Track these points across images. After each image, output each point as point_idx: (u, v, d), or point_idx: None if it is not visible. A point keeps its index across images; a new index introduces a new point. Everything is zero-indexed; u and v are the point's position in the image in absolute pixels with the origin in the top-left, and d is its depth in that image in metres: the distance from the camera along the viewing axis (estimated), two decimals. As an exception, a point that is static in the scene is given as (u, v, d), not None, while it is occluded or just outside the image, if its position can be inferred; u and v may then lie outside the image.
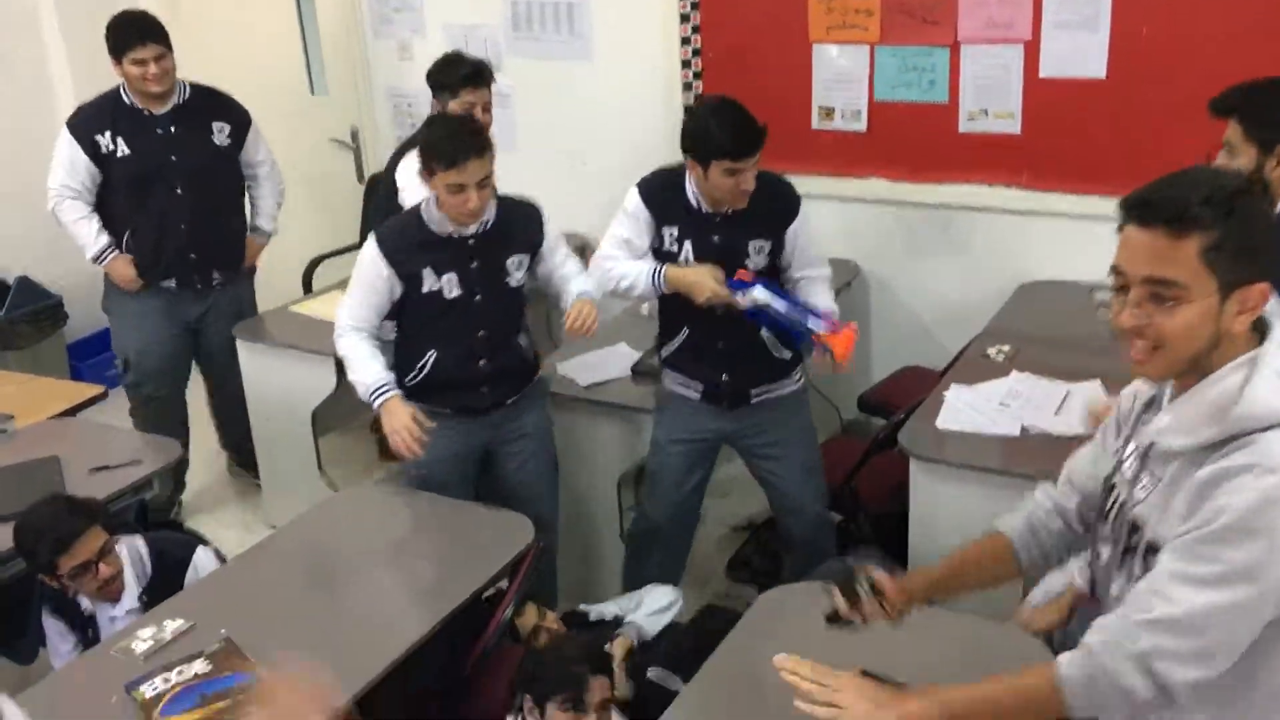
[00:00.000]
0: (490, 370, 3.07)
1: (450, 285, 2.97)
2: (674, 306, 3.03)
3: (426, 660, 2.47)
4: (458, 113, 3.43)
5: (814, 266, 3.08)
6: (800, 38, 4.04)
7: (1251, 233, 1.52)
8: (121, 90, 3.87)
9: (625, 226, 3.01)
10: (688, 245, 2.95)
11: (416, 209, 3.00)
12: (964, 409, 3.06)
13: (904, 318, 4.22)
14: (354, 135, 5.14)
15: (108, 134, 3.83)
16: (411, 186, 3.23)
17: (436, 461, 3.03)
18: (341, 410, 3.92)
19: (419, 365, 3.03)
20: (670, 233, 2.97)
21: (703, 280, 2.86)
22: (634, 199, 3.00)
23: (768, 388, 3.09)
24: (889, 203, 4.10)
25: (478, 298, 2.99)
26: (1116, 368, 3.20)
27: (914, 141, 3.98)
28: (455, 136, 2.86)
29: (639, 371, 3.49)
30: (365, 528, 2.98)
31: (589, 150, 4.55)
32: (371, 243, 2.98)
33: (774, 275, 2.99)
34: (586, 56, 4.47)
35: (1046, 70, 3.71)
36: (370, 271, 2.97)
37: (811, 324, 2.85)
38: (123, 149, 3.83)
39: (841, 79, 4.03)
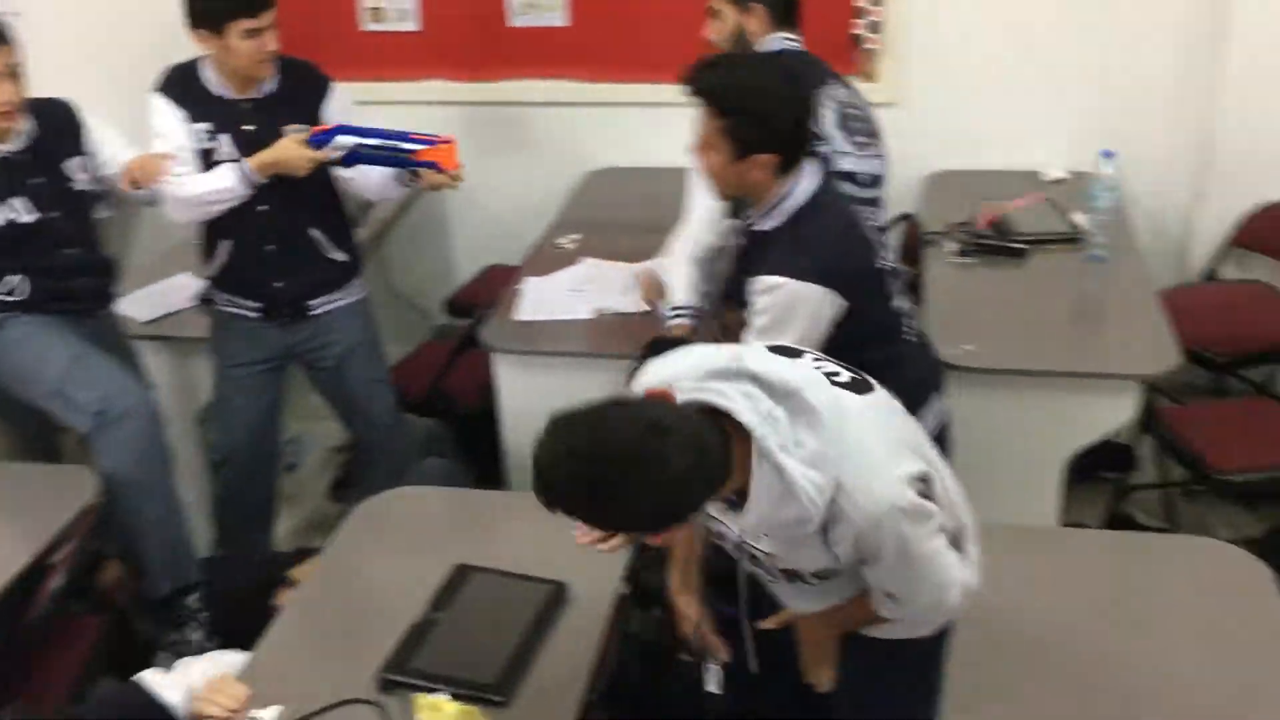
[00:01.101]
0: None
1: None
2: (209, 222, 2.87)
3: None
4: None
5: None
6: (339, -64, 3.87)
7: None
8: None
9: (169, 136, 2.79)
10: (223, 139, 2.79)
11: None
12: (539, 299, 3.13)
13: (481, 217, 4.23)
14: None
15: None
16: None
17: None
18: None
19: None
20: (201, 130, 2.79)
21: (292, 153, 2.72)
22: (159, 102, 2.80)
23: (328, 297, 3.01)
24: (450, 103, 4.05)
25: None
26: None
27: (468, 39, 3.95)
28: None
29: (207, 300, 3.28)
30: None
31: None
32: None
33: None
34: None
35: (589, -42, 3.78)
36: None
37: (409, 146, 2.75)
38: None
39: (387, -25, 3.91)
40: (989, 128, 3.75)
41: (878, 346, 2.19)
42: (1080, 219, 3.26)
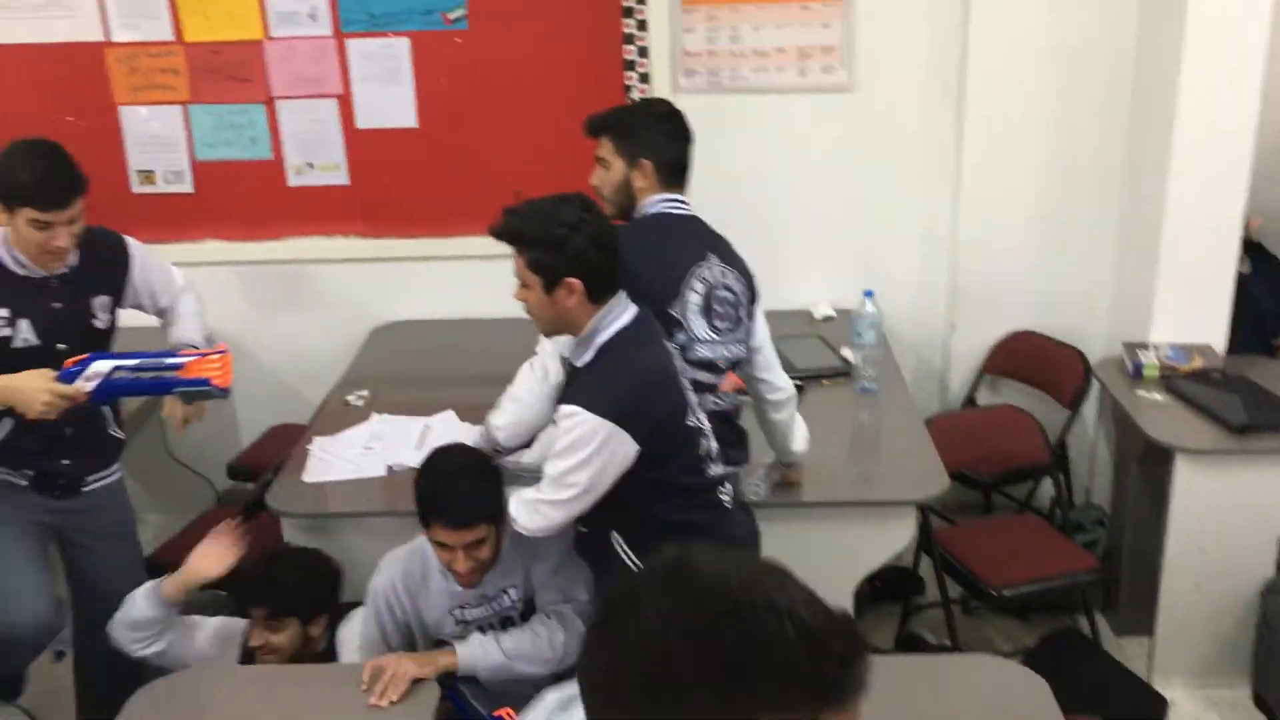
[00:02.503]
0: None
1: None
2: None
3: None
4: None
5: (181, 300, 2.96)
6: (104, 101, 3.80)
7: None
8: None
9: None
10: (24, 325, 2.63)
11: None
12: (329, 459, 3.07)
13: (263, 377, 4.13)
14: None
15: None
16: None
17: None
18: None
19: None
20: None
21: (28, 386, 2.46)
22: None
23: (102, 474, 2.87)
24: (228, 263, 3.99)
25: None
26: (469, 397, 3.44)
27: (245, 199, 3.92)
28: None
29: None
30: None
31: None
32: None
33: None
34: None
35: (363, 121, 3.84)
36: None
37: (173, 362, 2.54)
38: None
39: (157, 141, 3.85)
40: (760, 270, 3.96)
41: (679, 508, 2.28)
42: (849, 353, 3.46)
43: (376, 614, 2.53)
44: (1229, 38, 3.27)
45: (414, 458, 3.04)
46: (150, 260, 2.90)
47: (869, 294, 3.34)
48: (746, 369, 2.66)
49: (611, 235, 2.29)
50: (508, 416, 2.52)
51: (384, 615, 2.53)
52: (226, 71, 3.78)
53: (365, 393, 3.47)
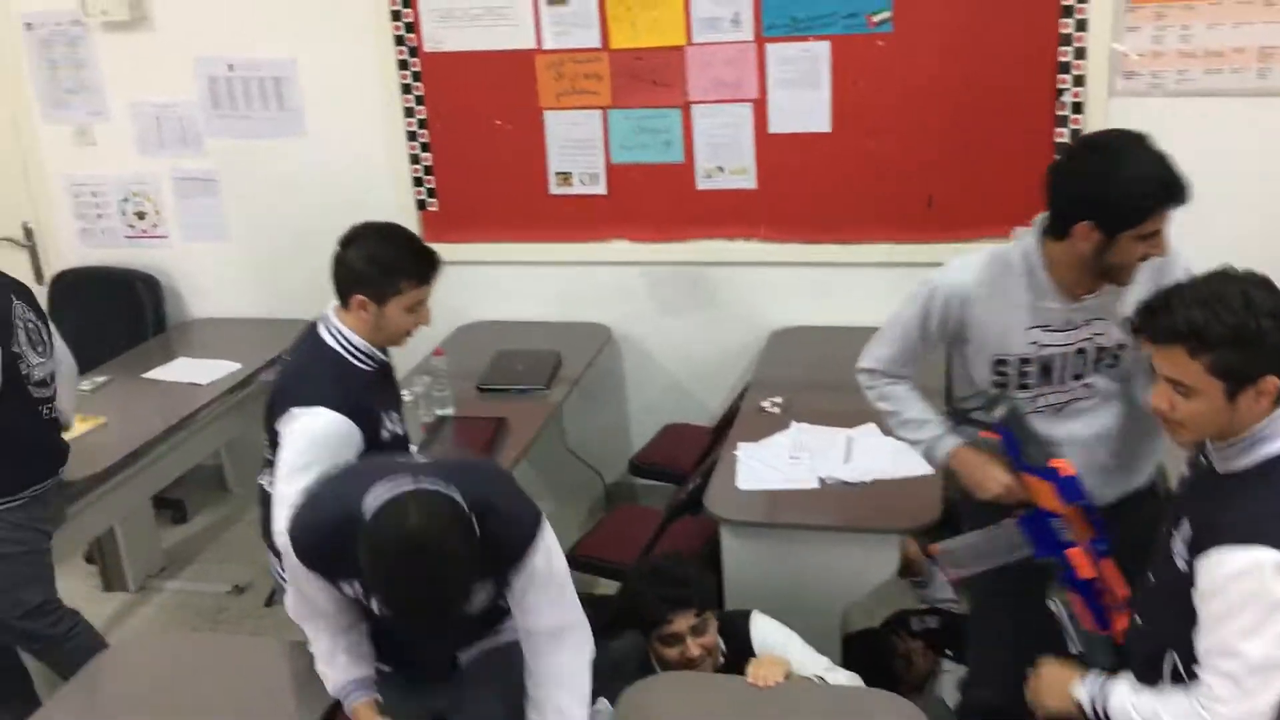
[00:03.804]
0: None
1: (393, 424, 2.53)
2: None
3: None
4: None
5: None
6: (530, 105, 3.97)
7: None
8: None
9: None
10: (394, 415, 2.57)
11: (318, 353, 2.46)
12: (759, 467, 3.06)
13: (660, 376, 4.21)
14: (28, 233, 4.58)
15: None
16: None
17: None
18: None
19: None
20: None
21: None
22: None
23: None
24: (634, 263, 4.09)
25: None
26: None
27: (654, 201, 4.00)
28: (416, 246, 2.49)
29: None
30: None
31: (312, 234, 4.27)
32: (333, 419, 2.34)
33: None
34: (298, 131, 4.19)
35: (775, 126, 3.83)
36: (333, 449, 2.32)
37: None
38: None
39: (576, 144, 3.99)
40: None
41: None
42: None
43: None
44: None
45: (844, 471, 3.00)
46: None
47: None
48: None
49: None
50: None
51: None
52: (647, 77, 3.86)
53: (780, 399, 3.45)
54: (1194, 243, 2.29)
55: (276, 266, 4.30)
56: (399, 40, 3.99)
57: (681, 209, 3.99)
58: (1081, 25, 3.50)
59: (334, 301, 2.49)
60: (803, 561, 2.86)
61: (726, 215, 3.97)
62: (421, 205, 4.15)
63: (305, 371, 2.48)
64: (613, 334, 4.17)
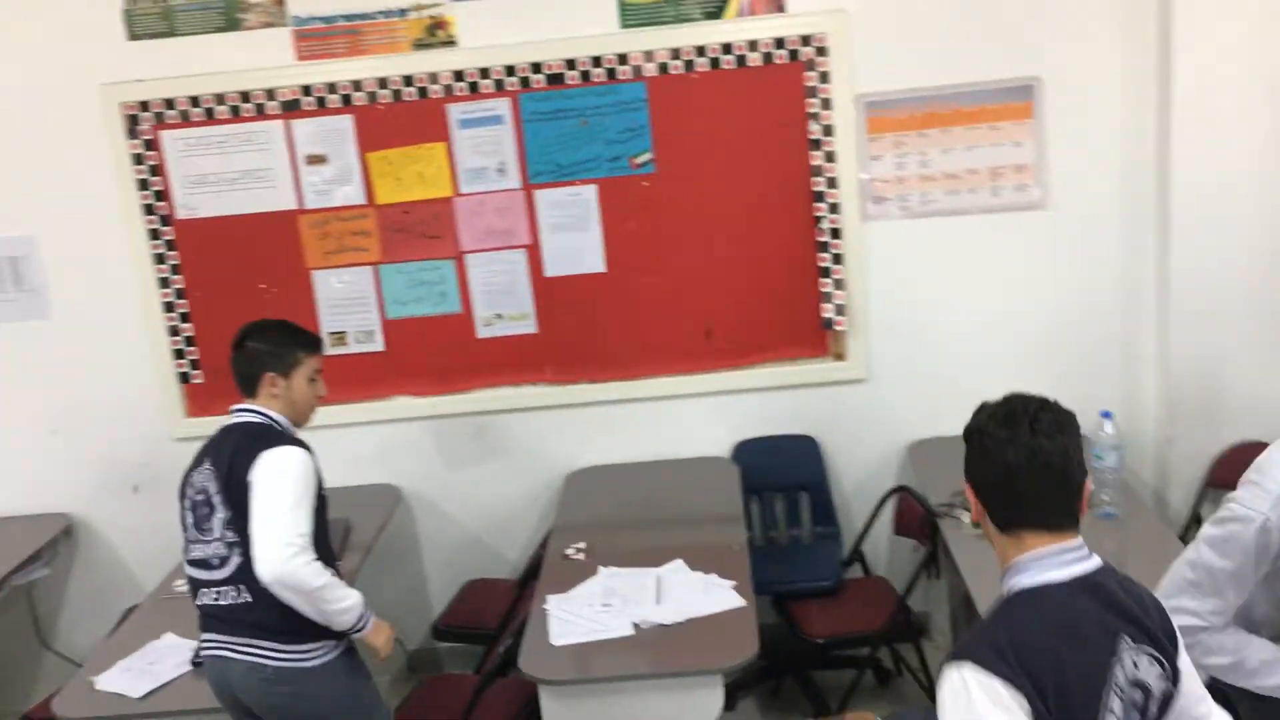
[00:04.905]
0: None
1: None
2: None
3: None
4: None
5: None
6: (297, 267, 3.84)
7: None
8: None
9: None
10: None
11: (257, 423, 2.74)
12: (571, 619, 2.97)
13: (456, 532, 4.07)
14: None
15: None
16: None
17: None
18: None
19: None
20: None
21: None
22: None
23: None
24: (419, 418, 3.98)
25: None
26: (686, 539, 3.36)
27: (434, 354, 3.92)
28: (298, 327, 2.89)
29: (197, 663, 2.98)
30: None
31: (67, 420, 3.97)
32: (300, 451, 2.68)
33: None
34: (42, 314, 3.90)
35: (551, 269, 3.83)
36: (310, 481, 2.68)
37: None
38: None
39: (349, 302, 3.88)
40: (954, 394, 3.86)
41: None
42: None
43: None
44: None
45: (658, 613, 2.95)
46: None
47: (1107, 415, 3.22)
48: None
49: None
50: None
51: None
52: (417, 230, 3.81)
53: (583, 544, 3.38)
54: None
55: (24, 458, 3.96)
56: (148, 209, 3.80)
57: (463, 359, 3.92)
58: (830, 156, 3.70)
59: (238, 404, 2.76)
60: (629, 714, 2.76)
61: (510, 361, 3.92)
62: (185, 378, 3.92)
63: (255, 433, 2.70)
64: (403, 493, 4.01)
